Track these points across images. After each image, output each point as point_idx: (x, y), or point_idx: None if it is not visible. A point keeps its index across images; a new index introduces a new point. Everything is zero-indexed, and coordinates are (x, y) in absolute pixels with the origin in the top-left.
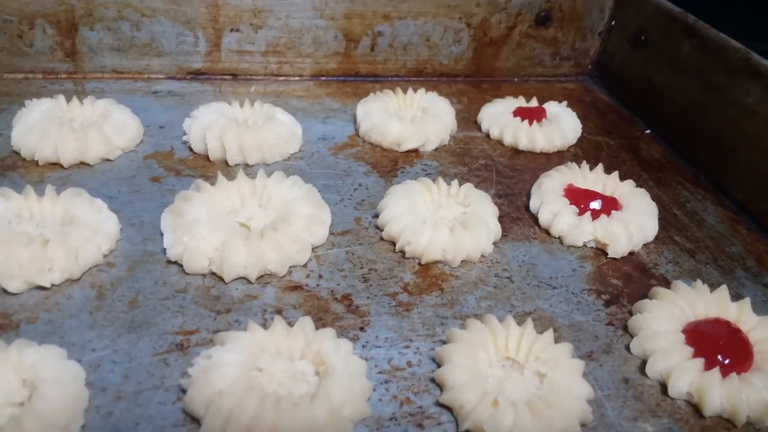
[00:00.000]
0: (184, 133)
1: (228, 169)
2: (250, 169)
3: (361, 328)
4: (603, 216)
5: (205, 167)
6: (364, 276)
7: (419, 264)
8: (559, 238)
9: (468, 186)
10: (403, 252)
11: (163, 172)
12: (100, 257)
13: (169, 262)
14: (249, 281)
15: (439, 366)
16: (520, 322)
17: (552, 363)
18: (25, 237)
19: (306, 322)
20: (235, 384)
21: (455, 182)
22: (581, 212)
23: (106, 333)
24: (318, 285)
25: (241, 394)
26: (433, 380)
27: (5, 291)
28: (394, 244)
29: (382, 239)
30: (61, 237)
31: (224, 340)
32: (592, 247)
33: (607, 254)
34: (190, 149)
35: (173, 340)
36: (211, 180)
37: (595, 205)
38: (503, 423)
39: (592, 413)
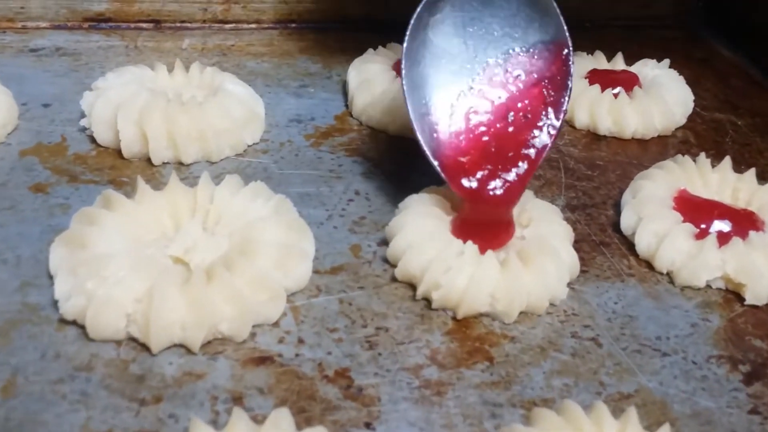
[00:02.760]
0: (83, 115)
1: (152, 170)
2: (186, 171)
3: (368, 425)
4: (735, 240)
5: (117, 168)
6: (368, 339)
7: (454, 319)
8: (668, 274)
9: (526, 195)
10: (428, 300)
11: (51, 177)
12: None
13: (64, 321)
14: (190, 351)
15: None
16: (616, 411)
17: None
18: None
19: (282, 418)
20: None
21: None
22: (701, 234)
23: None
24: (298, 355)
25: None
26: None
27: None
28: (413, 287)
29: (394, 280)
30: None
31: None
32: (719, 289)
33: (743, 299)
34: (92, 140)
35: None
36: (127, 189)
37: (723, 223)
38: None
39: None
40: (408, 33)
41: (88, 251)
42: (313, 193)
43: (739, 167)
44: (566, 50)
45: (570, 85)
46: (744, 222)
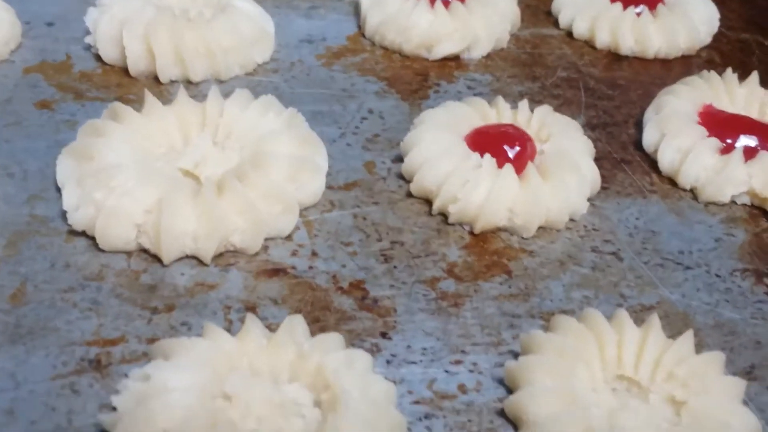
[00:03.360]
0: (88, 32)
1: (160, 88)
2: (195, 89)
3: (384, 334)
4: (762, 154)
5: (123, 86)
6: (383, 253)
7: (471, 233)
8: (691, 190)
9: (545, 109)
10: (444, 215)
11: (56, 94)
12: None
13: (73, 233)
14: (202, 262)
15: (511, 391)
16: (637, 322)
17: (694, 384)
18: None
19: (296, 324)
20: (191, 420)
21: (524, 103)
22: (727, 149)
23: None
24: (311, 267)
25: None
26: (502, 413)
27: None
28: (429, 202)
29: (410, 195)
30: None
31: (168, 351)
32: (744, 205)
33: None
34: (98, 58)
35: (84, 355)
36: (135, 107)
37: (749, 138)
38: None
39: None
40: None
41: (96, 162)
42: (325, 111)
43: (766, 86)
44: None
45: None
46: None
